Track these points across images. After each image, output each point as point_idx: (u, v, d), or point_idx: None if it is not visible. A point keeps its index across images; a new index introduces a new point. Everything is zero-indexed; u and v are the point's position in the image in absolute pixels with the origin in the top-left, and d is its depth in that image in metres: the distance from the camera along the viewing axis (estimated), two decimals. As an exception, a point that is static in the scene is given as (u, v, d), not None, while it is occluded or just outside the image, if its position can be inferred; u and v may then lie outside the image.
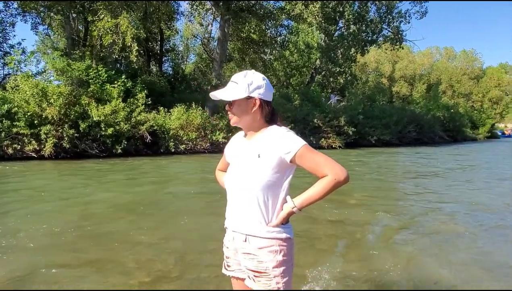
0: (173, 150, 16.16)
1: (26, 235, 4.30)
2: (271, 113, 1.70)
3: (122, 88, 16.03)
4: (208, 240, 4.24)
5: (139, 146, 15.73)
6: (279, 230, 1.63)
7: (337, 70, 29.21)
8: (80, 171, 10.81)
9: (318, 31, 29.56)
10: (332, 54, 27.71)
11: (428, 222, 5.18)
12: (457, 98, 43.59)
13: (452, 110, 32.55)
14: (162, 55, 27.62)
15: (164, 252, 3.85)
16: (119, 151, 14.67)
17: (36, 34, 25.51)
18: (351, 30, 27.58)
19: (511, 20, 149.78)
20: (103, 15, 15.97)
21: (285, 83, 31.48)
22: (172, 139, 16.29)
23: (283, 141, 1.58)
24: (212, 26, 32.82)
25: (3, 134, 12.88)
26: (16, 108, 13.32)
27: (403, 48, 34.04)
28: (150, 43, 25.77)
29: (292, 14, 22.13)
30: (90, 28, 21.24)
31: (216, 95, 1.69)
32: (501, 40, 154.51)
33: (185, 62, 37.06)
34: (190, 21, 28.12)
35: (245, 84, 1.64)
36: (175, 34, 29.39)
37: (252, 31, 20.61)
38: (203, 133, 17.34)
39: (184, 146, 16.57)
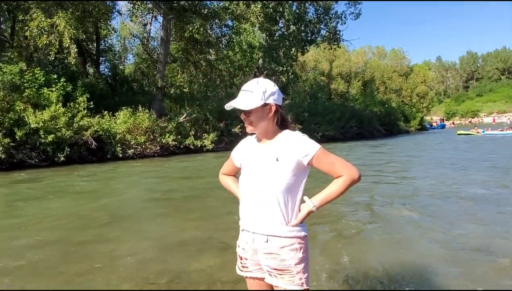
0: (121, 155, 15.48)
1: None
2: (283, 117, 1.77)
3: (62, 92, 14.99)
4: (176, 244, 4.19)
5: (83, 152, 14.84)
6: (299, 229, 1.71)
7: (280, 69, 29.98)
8: (19, 183, 9.96)
9: (260, 31, 30.04)
10: (274, 54, 28.34)
11: (385, 210, 5.57)
12: (389, 94, 46.72)
13: (386, 106, 34.90)
14: (99, 56, 26.24)
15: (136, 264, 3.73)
16: (62, 158, 13.73)
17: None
18: (291, 30, 28.45)
19: (434, 19, 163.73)
20: (35, 14, 14.79)
21: (228, 83, 31.55)
22: (119, 144, 15.60)
23: (300, 145, 1.67)
24: (151, 26, 31.88)
25: None
26: None
27: (340, 48, 35.87)
28: (85, 43, 24.33)
29: (235, 14, 22.25)
30: (17, 27, 19.55)
31: (232, 105, 1.74)
32: (424, 38, 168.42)
33: (124, 62, 35.57)
34: (131, 20, 26.97)
35: (260, 92, 1.69)
36: (111, 33, 28.11)
37: (196, 31, 20.31)
38: (152, 137, 16.82)
39: (132, 150, 15.96)
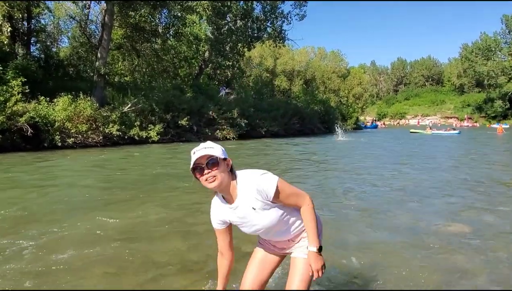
0: (59, 144, 14.63)
1: None
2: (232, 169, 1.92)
3: (-9, 73, 13.76)
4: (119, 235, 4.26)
5: (17, 140, 13.79)
6: (302, 226, 2.03)
7: (226, 63, 30.10)
8: None
9: (206, 24, 29.83)
10: (221, 48, 28.36)
11: (332, 202, 6.08)
12: (328, 94, 48.93)
13: (326, 105, 36.58)
14: (30, 36, 24.16)
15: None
16: (-7, 146, 12.67)
17: None
18: (238, 26, 28.65)
19: (371, 26, 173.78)
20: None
21: (172, 74, 30.90)
22: (57, 133, 14.71)
23: (260, 189, 1.84)
24: (89, 8, 29.96)
25: None
26: None
27: (284, 46, 36.84)
28: (14, 21, 22.26)
29: (184, 5, 21.89)
30: None
31: (207, 153, 1.80)
32: (361, 43, 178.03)
33: (57, 45, 33.13)
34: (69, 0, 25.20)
35: (219, 148, 1.85)
36: (45, 12, 26.10)
37: (143, 19, 19.67)
38: (94, 126, 16.06)
39: (72, 139, 15.14)
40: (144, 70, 28.09)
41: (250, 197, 1.87)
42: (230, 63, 30.04)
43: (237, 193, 1.89)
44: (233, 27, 28.23)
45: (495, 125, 45.69)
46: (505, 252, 3.66)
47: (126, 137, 17.34)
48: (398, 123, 76.20)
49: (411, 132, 34.17)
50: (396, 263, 3.38)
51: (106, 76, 20.78)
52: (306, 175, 8.91)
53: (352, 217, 5.09)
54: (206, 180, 1.79)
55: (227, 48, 28.82)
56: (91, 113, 15.98)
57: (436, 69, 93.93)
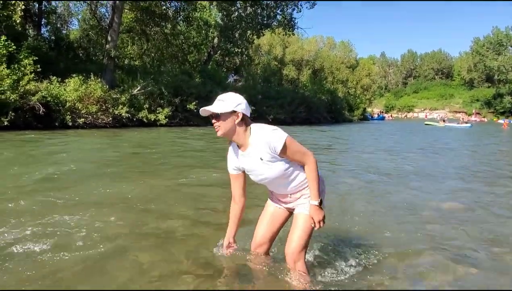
0: (70, 124, 14.91)
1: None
2: (248, 121, 2.15)
3: (4, 52, 13.98)
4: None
5: (29, 118, 14.09)
6: (306, 181, 2.21)
7: (235, 50, 30.07)
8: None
9: (216, 10, 29.74)
10: (230, 34, 28.34)
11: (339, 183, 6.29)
12: (336, 84, 48.79)
13: (333, 95, 36.56)
14: (41, 17, 24.31)
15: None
16: (5, 123, 12.96)
17: None
18: (247, 12, 28.54)
19: (382, 17, 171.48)
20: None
21: (181, 59, 31.02)
22: (68, 113, 14.98)
23: (270, 142, 2.04)
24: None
25: None
26: None
27: (294, 35, 36.66)
28: (26, 2, 22.40)
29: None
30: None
31: (206, 109, 2.08)
32: (371, 34, 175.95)
33: (68, 27, 33.30)
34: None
35: (230, 101, 2.07)
36: (56, -7, 26.24)
37: (154, 3, 19.73)
38: (104, 107, 16.32)
39: (83, 119, 15.42)
40: (153, 54, 28.20)
41: (259, 148, 2.08)
42: (239, 50, 29.98)
43: (249, 142, 2.11)
44: (243, 14, 28.15)
45: (501, 121, 46.27)
46: (493, 224, 3.89)
47: (135, 119, 17.60)
48: (406, 116, 75.84)
49: (425, 124, 35.64)
50: (388, 228, 3.61)
51: (116, 59, 20.96)
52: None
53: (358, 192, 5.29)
54: (215, 128, 2.09)
55: (236, 35, 28.77)
56: (101, 94, 16.22)
57: (446, 62, 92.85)
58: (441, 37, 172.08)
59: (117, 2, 19.64)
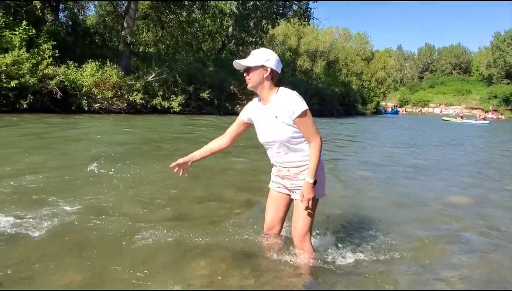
0: (86, 108, 15.23)
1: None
2: (279, 80, 2.29)
3: (25, 36, 14.27)
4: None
5: (47, 102, 14.43)
6: (307, 159, 2.29)
7: (249, 39, 30.00)
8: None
9: (232, -2, 29.63)
10: (245, 23, 28.27)
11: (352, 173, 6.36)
12: (350, 76, 48.29)
13: (347, 87, 36.29)
14: (58, 2, 24.58)
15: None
16: (24, 106, 13.32)
17: None
18: (263, 1, 28.38)
19: (399, 8, 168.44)
20: None
21: (195, 47, 31.13)
22: (85, 97, 15.29)
23: (290, 105, 2.18)
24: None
25: None
26: None
27: (309, 25, 36.34)
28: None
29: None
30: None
31: (238, 62, 2.24)
32: (388, 26, 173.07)
33: (84, 13, 33.59)
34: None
35: (260, 56, 2.22)
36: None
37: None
38: (119, 93, 16.59)
39: (98, 104, 15.73)
40: (168, 42, 28.35)
41: (279, 107, 2.21)
42: (254, 39, 29.89)
43: (272, 99, 2.25)
44: (258, 3, 28.02)
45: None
46: (499, 220, 3.92)
47: (149, 106, 17.85)
48: (420, 111, 74.79)
49: (443, 119, 35.94)
50: (393, 220, 3.68)
51: (131, 46, 21.17)
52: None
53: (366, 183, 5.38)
54: (246, 81, 2.27)
55: (251, 24, 28.70)
56: (116, 80, 16.48)
57: (465, 57, 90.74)
58: (460, 31, 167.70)
59: (134, -12, 19.76)
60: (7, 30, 13.86)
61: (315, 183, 2.23)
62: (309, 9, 29.97)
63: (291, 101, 2.18)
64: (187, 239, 2.81)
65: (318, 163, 2.24)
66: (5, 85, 12.78)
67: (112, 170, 4.96)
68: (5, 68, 12.82)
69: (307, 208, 2.28)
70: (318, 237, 2.95)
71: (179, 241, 2.78)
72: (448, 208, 4.37)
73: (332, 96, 31.57)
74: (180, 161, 2.44)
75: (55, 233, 2.79)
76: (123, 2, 25.82)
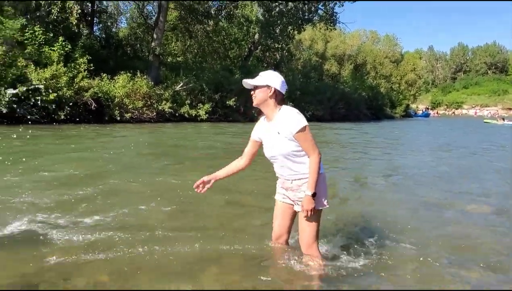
0: (118, 118, 15.97)
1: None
2: (282, 100, 2.50)
3: (62, 52, 15.22)
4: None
5: (82, 112, 15.28)
6: (306, 172, 2.48)
7: (275, 46, 30.28)
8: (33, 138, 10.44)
9: (256, 5, 30.02)
10: (271, 30, 28.57)
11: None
12: (379, 80, 47.58)
13: (375, 90, 35.78)
14: (93, 17, 25.88)
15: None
16: (62, 117, 14.18)
17: None
18: (289, 7, 28.59)
19: (429, 8, 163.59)
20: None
21: (222, 55, 31.78)
22: (117, 108, 16.06)
23: (290, 122, 2.39)
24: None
25: None
26: None
27: (335, 29, 36.17)
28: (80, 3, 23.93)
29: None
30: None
31: (247, 81, 2.49)
32: (418, 27, 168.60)
33: (117, 26, 35.03)
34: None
35: (266, 77, 2.46)
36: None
37: (197, 1, 20.39)
38: (148, 103, 17.29)
39: (129, 114, 16.46)
40: (195, 51, 29.13)
41: (281, 124, 2.43)
42: (280, 45, 30.16)
43: (275, 116, 2.47)
44: (284, 9, 28.26)
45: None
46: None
47: (177, 114, 18.46)
48: (453, 113, 72.33)
49: (484, 122, 35.76)
50: (408, 225, 3.77)
51: (161, 56, 21.96)
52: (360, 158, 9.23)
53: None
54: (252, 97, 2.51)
55: (277, 30, 28.97)
56: (146, 91, 17.19)
57: (501, 56, 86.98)
58: (495, 30, 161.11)
59: (163, 1, 20.53)
60: (47, 46, 14.83)
61: (314, 195, 2.41)
62: (335, 14, 29.91)
63: (292, 118, 2.39)
64: (202, 247, 3.04)
65: (318, 176, 2.42)
66: (45, 98, 13.67)
67: (140, 179, 5.32)
68: (44, 82, 13.71)
69: (308, 219, 2.48)
70: (328, 242, 3.12)
71: (195, 248, 3.01)
72: (466, 215, 4.40)
73: (359, 100, 31.28)
74: (205, 178, 2.65)
75: (83, 239, 3.12)
76: (153, 13, 26.90)
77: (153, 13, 27.22)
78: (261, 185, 5.80)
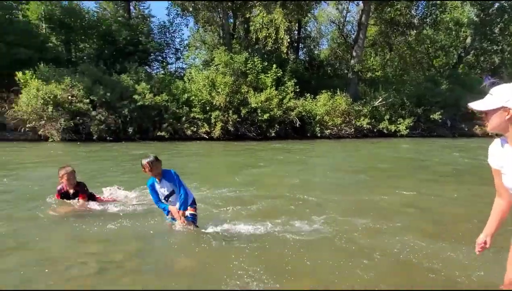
0: (318, 135, 17.12)
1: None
2: None
3: (274, 77, 17.55)
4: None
5: (288, 130, 17.13)
6: None
7: (493, 48, 26.05)
8: (280, 152, 12.46)
9: (470, 6, 26.56)
10: (488, 31, 24.77)
11: None
12: None
13: None
14: (299, 43, 28.56)
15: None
16: (273, 134, 16.30)
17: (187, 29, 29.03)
18: (511, 2, 24.10)
19: None
20: (258, 11, 17.60)
21: (425, 65, 29.45)
22: (318, 125, 17.25)
23: None
24: (348, 11, 32.35)
25: (183, 118, 15.63)
26: (193, 97, 15.97)
27: None
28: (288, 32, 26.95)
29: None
30: (237, 23, 23.43)
31: (472, 106, 1.94)
32: None
33: (319, 48, 37.49)
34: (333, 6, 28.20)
35: (500, 96, 1.85)
36: (310, 20, 30.11)
37: (399, 13, 19.80)
38: (347, 119, 17.84)
39: (329, 131, 17.39)
40: (395, 63, 28.16)
41: None
42: (499, 47, 25.81)
43: None
44: (506, 4, 24.05)
45: None
46: None
47: (375, 130, 18.31)
48: None
49: None
50: None
51: (359, 73, 22.31)
52: None
53: None
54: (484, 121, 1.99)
55: (496, 30, 24.92)
56: (345, 108, 17.81)
57: None
58: None
59: (362, 18, 20.89)
60: (263, 74, 17.43)
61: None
62: None
63: None
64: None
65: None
66: (259, 118, 16.07)
67: (335, 198, 5.68)
68: (260, 104, 16.15)
69: None
70: None
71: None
72: None
73: None
74: (480, 240, 2.25)
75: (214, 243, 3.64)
76: (353, 32, 27.63)
77: (353, 32, 28.00)
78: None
